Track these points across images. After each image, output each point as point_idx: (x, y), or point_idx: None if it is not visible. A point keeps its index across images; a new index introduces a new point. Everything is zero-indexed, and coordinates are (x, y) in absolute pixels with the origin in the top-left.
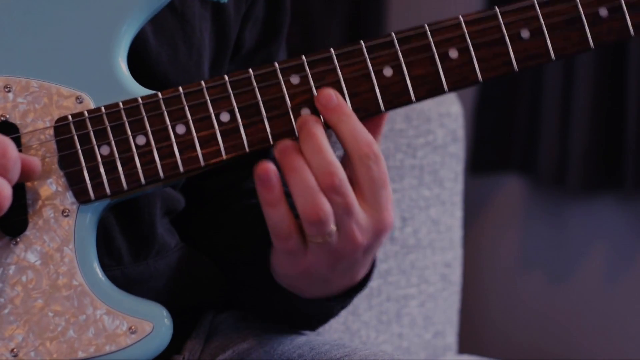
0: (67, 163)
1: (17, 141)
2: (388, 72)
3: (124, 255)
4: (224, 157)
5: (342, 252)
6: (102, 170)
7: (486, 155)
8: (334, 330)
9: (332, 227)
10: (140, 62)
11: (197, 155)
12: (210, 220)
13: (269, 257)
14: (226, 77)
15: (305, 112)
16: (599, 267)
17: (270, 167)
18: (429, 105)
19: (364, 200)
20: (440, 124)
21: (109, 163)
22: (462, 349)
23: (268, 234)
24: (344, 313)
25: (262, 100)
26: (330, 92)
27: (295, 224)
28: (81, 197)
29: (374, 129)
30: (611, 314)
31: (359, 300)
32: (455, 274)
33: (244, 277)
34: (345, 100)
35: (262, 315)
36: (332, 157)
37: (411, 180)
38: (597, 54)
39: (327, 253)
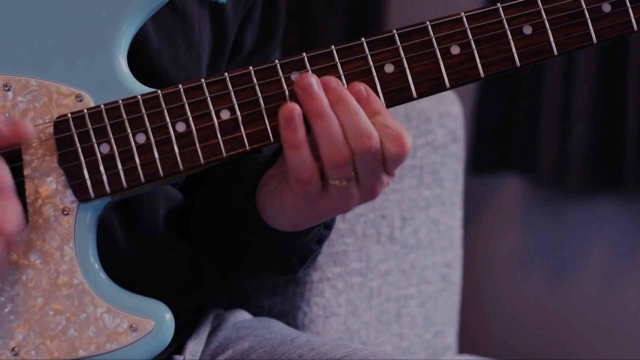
0: (67, 161)
1: None
2: (389, 68)
3: (125, 257)
4: (224, 154)
5: (361, 200)
6: (101, 168)
7: (486, 155)
8: (334, 330)
9: (352, 172)
10: (142, 60)
11: (197, 154)
12: (196, 195)
13: (251, 198)
14: (226, 73)
15: None
16: (598, 267)
17: (295, 107)
18: (429, 105)
19: None
20: (440, 124)
21: (109, 161)
22: (462, 349)
23: (253, 175)
24: (343, 313)
25: (262, 97)
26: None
27: (317, 167)
28: (81, 195)
29: None
30: (611, 313)
31: (359, 300)
32: (455, 274)
33: (225, 225)
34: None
35: (244, 265)
36: (369, 121)
37: (411, 180)
38: (598, 54)
39: (346, 197)
